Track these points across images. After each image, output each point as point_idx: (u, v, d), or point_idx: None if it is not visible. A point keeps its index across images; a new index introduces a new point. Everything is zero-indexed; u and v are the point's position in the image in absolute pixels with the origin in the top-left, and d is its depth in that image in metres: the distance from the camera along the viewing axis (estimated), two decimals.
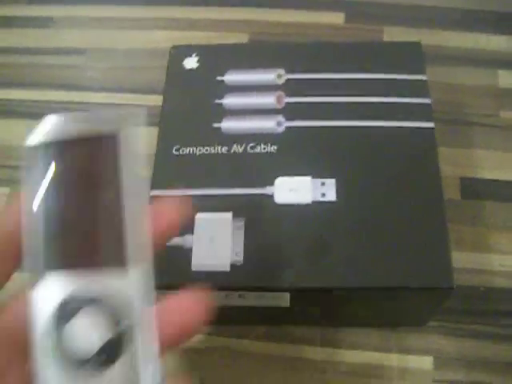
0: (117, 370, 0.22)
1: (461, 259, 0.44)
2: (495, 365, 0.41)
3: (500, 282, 0.44)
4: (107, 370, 0.22)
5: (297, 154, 0.39)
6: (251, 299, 0.37)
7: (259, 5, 0.59)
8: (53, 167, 0.24)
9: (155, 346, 0.22)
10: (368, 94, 0.41)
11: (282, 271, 0.36)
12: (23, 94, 0.56)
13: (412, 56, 0.43)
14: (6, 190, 0.50)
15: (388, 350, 0.42)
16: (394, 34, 0.56)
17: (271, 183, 0.38)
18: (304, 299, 0.38)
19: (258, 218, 0.37)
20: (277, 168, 0.39)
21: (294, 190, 0.38)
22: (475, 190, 0.48)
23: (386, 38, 0.56)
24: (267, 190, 0.38)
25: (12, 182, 0.50)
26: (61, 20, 0.61)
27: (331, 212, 0.37)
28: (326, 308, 0.40)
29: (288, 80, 0.42)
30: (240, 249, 0.36)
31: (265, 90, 0.42)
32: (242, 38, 0.56)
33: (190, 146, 0.40)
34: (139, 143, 0.24)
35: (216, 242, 0.36)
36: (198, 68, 0.43)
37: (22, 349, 0.24)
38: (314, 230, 0.37)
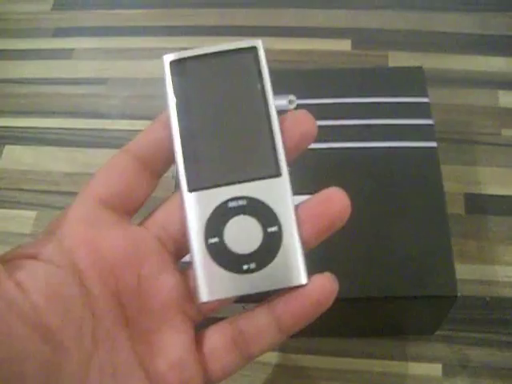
0: (271, 268, 0.25)
1: (466, 271, 0.47)
2: (502, 372, 0.43)
3: (505, 292, 0.46)
4: (264, 269, 0.25)
5: (307, 174, 0.42)
6: None
7: (267, 34, 0.62)
8: (197, 80, 0.27)
9: (301, 244, 0.26)
10: (373, 116, 0.44)
11: None
12: (46, 122, 0.59)
13: (415, 80, 0.46)
14: (33, 213, 0.53)
15: (397, 358, 0.44)
16: (399, 58, 0.59)
17: None
18: None
19: None
20: None
21: None
22: (479, 205, 0.50)
23: (391, 62, 0.58)
24: None
25: (40, 206, 0.53)
26: (82, 51, 0.64)
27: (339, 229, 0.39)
28: (335, 319, 0.42)
29: (299, 105, 0.45)
30: None
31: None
32: None
33: None
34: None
35: None
36: None
37: (172, 254, 0.27)
38: (322, 245, 0.39)
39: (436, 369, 0.44)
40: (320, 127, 0.43)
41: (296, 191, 0.40)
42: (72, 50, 0.64)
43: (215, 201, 0.25)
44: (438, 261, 0.38)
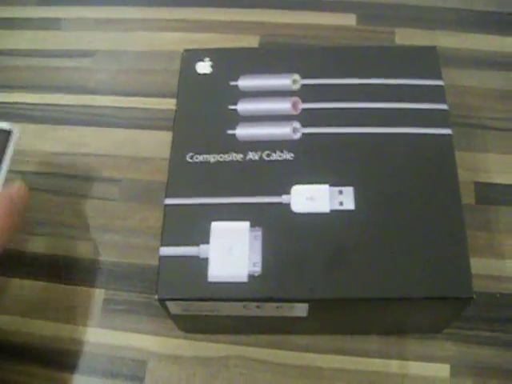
0: None
1: (476, 265, 0.43)
2: None
3: None
4: None
5: (313, 161, 0.39)
6: (269, 310, 0.36)
7: (270, 6, 0.58)
8: None
9: None
10: (384, 99, 0.41)
11: (300, 282, 0.35)
12: (31, 98, 0.55)
13: (428, 61, 0.43)
14: None
15: (404, 358, 0.42)
16: (406, 35, 0.55)
17: (288, 192, 0.38)
18: (322, 310, 0.37)
19: (275, 227, 0.37)
20: (293, 176, 0.38)
21: (311, 198, 0.37)
22: (490, 195, 0.47)
23: (398, 39, 0.55)
24: (284, 199, 0.37)
25: None
26: (69, 22, 0.60)
27: (349, 221, 0.37)
28: (344, 317, 0.39)
29: (303, 85, 0.42)
30: (258, 259, 0.36)
31: (280, 96, 0.41)
32: (252, 39, 0.55)
33: (204, 154, 0.39)
34: None
35: (233, 252, 0.36)
36: (211, 72, 0.43)
37: None
38: (333, 240, 0.36)
39: (444, 369, 0.41)
40: (326, 110, 0.41)
41: (308, 180, 0.38)
42: (59, 19, 0.60)
43: None
44: (453, 259, 0.36)
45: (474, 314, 0.43)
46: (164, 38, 0.57)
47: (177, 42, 0.56)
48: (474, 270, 0.42)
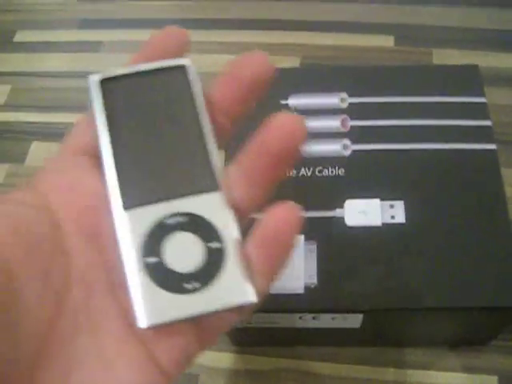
0: (217, 286, 0.23)
1: None
2: None
3: None
4: (208, 288, 0.23)
5: (364, 176, 0.40)
6: (324, 321, 0.37)
7: (309, 29, 0.60)
8: (126, 99, 0.26)
9: (245, 259, 0.23)
10: (430, 116, 0.42)
11: (355, 293, 0.36)
12: (71, 118, 0.57)
13: (470, 79, 0.44)
14: None
15: (453, 370, 0.42)
16: (443, 56, 0.57)
17: (340, 206, 0.39)
18: (375, 320, 0.38)
19: (330, 240, 0.38)
20: (345, 191, 0.39)
21: (363, 212, 0.38)
22: None
23: (435, 60, 0.56)
24: (337, 213, 0.38)
25: None
26: (110, 44, 0.62)
27: (401, 234, 0.38)
28: (394, 329, 0.40)
29: (351, 104, 0.43)
30: (313, 271, 0.37)
31: (329, 114, 0.43)
32: (293, 61, 0.57)
33: None
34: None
35: (289, 265, 0.37)
36: None
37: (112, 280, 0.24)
38: (385, 251, 0.37)
39: (492, 381, 0.42)
40: (374, 127, 0.42)
41: (359, 194, 0.39)
42: (100, 42, 0.62)
43: (151, 218, 0.24)
44: (503, 270, 0.36)
45: None
46: (206, 60, 0.58)
47: (217, 64, 0.58)
48: None
